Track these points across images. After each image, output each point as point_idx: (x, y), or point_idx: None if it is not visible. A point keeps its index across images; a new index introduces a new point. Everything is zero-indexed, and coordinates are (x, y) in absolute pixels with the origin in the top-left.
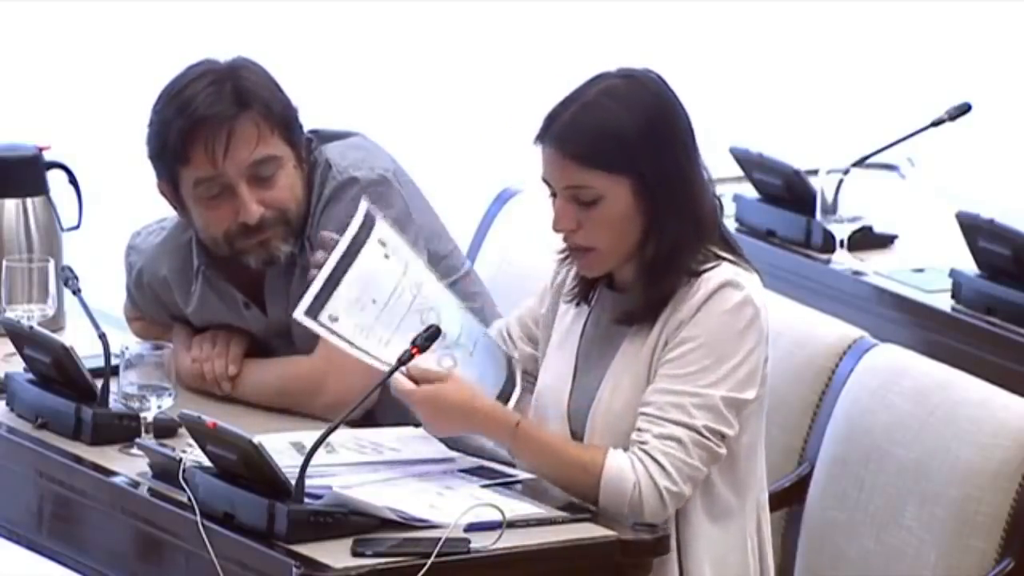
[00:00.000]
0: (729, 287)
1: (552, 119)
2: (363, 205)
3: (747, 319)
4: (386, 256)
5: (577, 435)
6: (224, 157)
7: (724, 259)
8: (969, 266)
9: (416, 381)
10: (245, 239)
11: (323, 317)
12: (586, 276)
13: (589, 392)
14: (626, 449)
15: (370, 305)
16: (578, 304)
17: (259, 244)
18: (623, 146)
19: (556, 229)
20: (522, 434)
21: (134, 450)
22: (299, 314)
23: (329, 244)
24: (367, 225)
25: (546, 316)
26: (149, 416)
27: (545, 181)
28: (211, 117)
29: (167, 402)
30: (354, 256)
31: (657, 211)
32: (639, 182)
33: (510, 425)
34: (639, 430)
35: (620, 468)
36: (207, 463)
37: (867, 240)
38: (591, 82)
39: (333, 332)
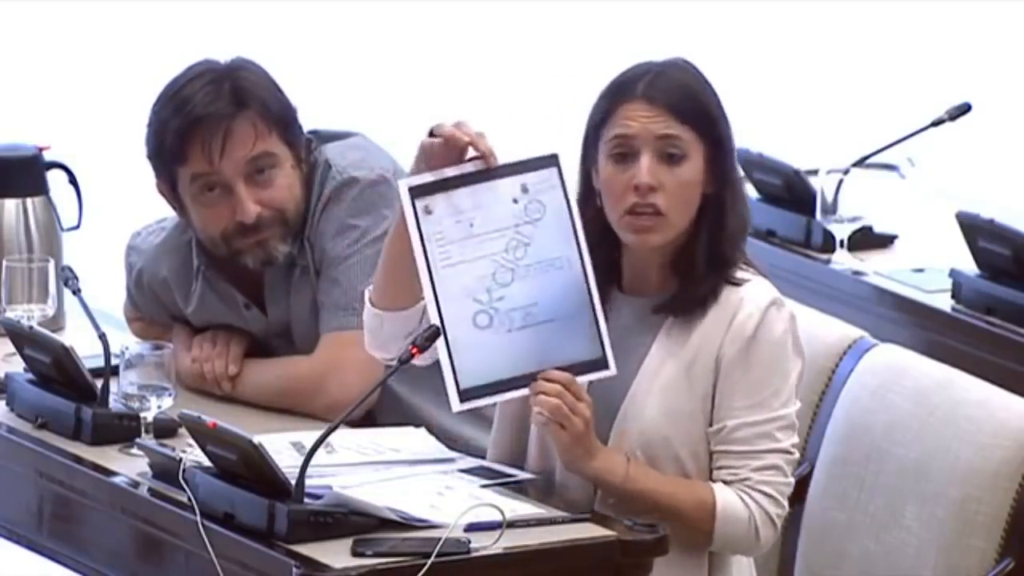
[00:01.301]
0: (774, 307)
1: (634, 80)
2: (554, 151)
3: (795, 334)
4: (514, 200)
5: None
6: (221, 157)
7: (748, 266)
8: (969, 266)
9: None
10: (242, 239)
11: (420, 203)
12: (642, 246)
13: (612, 399)
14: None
15: (466, 225)
16: None
17: (256, 244)
18: (706, 108)
19: (638, 183)
20: (633, 472)
21: (134, 450)
22: (404, 186)
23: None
24: (541, 163)
25: None
26: (149, 416)
27: (621, 144)
28: (208, 117)
29: (167, 402)
30: (494, 177)
31: (716, 189)
32: (713, 150)
33: (623, 463)
34: (731, 468)
35: (733, 506)
36: (207, 463)
37: (867, 240)
38: (646, 62)
39: (416, 220)
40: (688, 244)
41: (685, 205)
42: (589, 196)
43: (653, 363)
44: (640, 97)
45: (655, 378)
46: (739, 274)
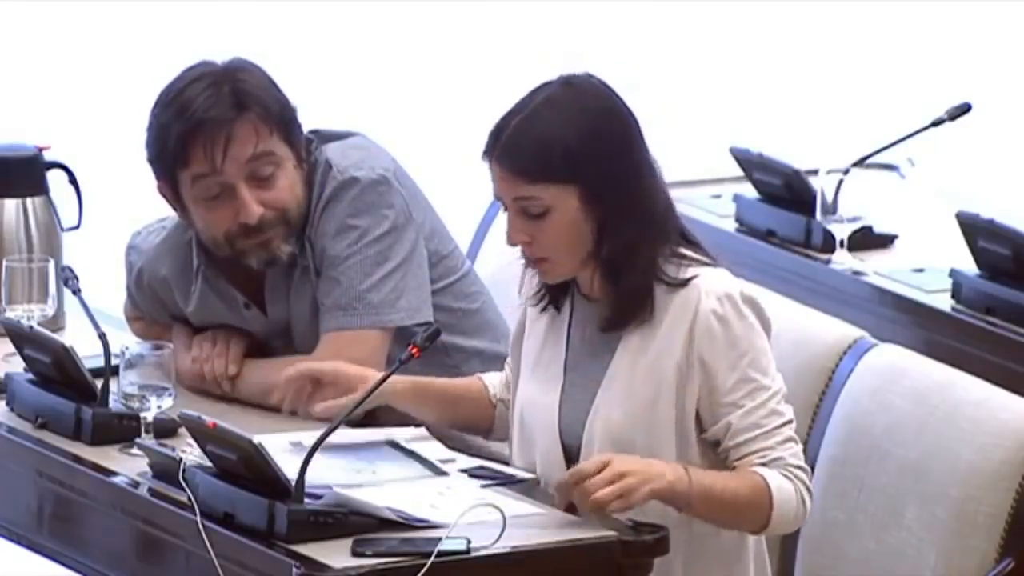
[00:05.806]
0: (733, 294)
1: (496, 135)
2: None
3: (759, 314)
4: None
5: (571, 449)
6: (223, 160)
7: (691, 259)
8: (969, 266)
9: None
10: (246, 240)
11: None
12: (548, 283)
13: (582, 405)
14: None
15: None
16: (546, 310)
17: (260, 245)
18: (566, 156)
19: (509, 243)
20: (694, 475)
21: (134, 450)
22: None
23: None
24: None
25: (514, 344)
26: (149, 416)
27: (497, 197)
28: (210, 120)
29: (167, 402)
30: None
31: (607, 215)
32: (586, 189)
33: (681, 467)
34: (758, 452)
35: (782, 484)
36: (207, 463)
37: (867, 240)
38: (532, 93)
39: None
40: (597, 263)
41: (567, 245)
42: None
43: (617, 368)
44: (495, 161)
45: (619, 383)
46: (689, 271)
